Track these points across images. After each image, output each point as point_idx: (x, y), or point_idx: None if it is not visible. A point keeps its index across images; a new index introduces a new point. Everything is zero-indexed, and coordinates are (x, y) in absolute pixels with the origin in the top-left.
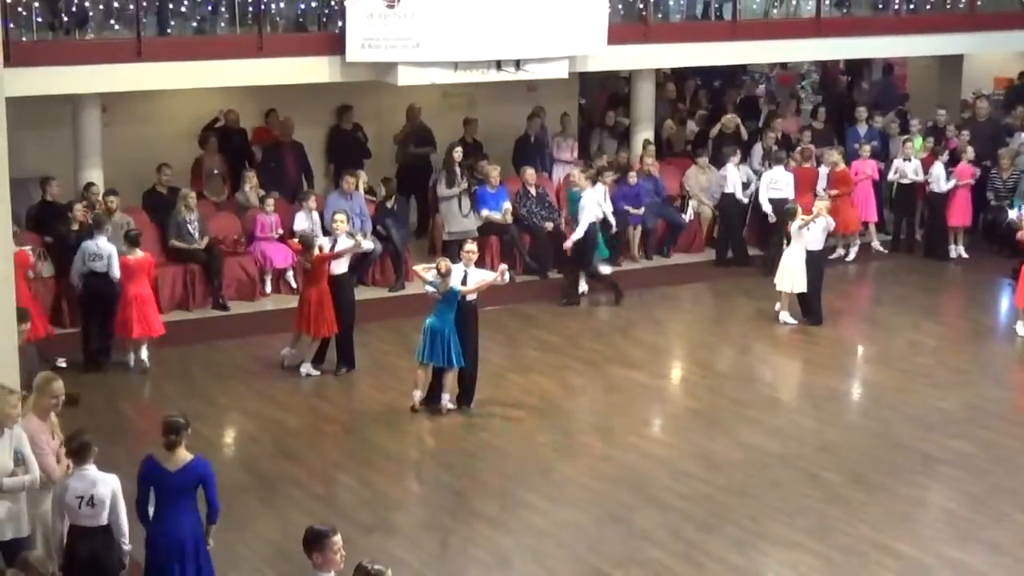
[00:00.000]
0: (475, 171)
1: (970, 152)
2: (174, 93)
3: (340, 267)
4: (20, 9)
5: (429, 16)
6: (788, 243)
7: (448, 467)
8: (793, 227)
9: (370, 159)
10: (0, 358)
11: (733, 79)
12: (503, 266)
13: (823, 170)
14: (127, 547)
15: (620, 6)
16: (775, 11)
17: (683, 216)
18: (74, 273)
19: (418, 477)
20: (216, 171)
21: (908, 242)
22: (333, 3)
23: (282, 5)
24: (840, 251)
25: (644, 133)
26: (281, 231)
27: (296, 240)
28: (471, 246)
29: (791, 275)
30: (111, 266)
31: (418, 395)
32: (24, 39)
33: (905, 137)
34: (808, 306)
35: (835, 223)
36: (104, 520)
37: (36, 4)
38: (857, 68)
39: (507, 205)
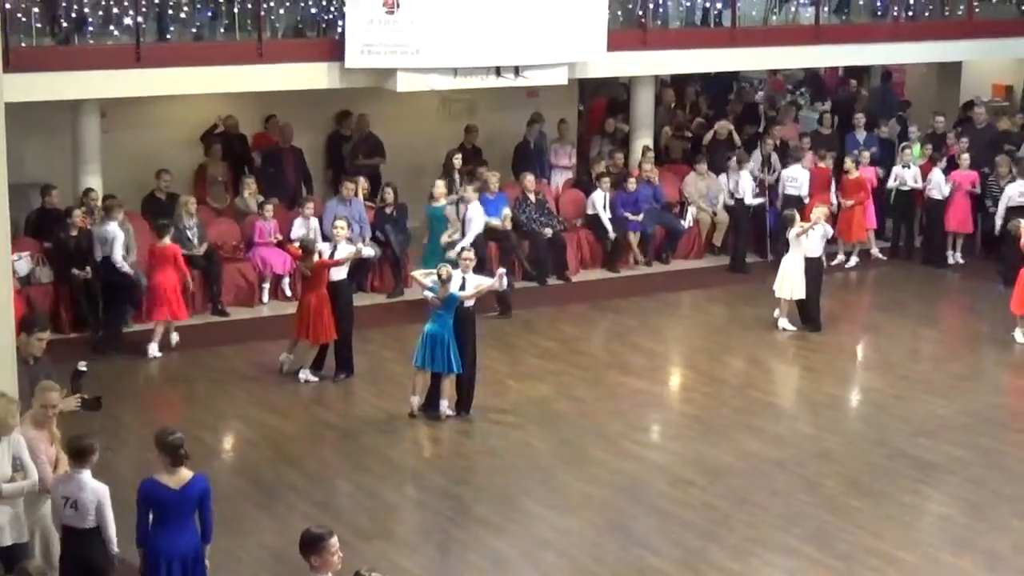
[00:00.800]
0: (475, 177)
1: (966, 159)
2: (173, 99)
3: (339, 273)
4: (20, 15)
5: (429, 22)
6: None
7: (447, 473)
8: (791, 234)
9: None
10: None
11: (731, 86)
12: (501, 270)
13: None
14: (116, 551)
15: (619, 13)
16: (774, 18)
17: (682, 222)
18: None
19: (417, 483)
20: (220, 178)
21: (907, 249)
22: (332, 9)
23: (281, 11)
24: (840, 257)
25: (643, 140)
26: (279, 237)
27: (296, 246)
28: (468, 252)
29: (790, 282)
30: (114, 251)
31: (416, 400)
32: (23, 44)
33: (904, 144)
34: (807, 313)
35: (842, 230)
36: (89, 524)
37: (36, 10)
38: (856, 75)
39: (506, 211)
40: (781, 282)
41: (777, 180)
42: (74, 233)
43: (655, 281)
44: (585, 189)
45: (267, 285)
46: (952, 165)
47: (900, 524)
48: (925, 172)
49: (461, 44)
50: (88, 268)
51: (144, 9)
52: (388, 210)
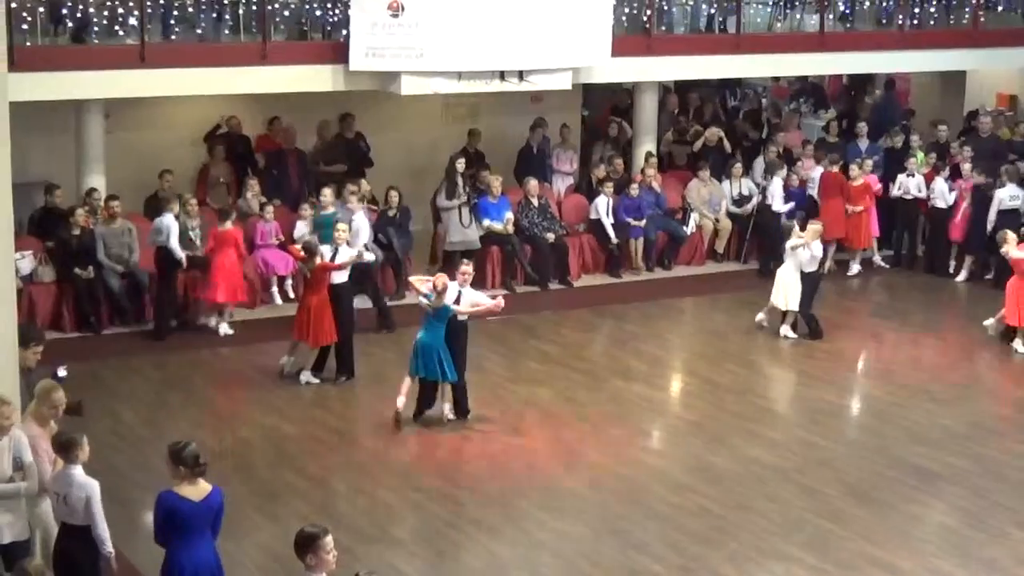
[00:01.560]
0: (477, 181)
1: (967, 168)
2: (177, 100)
3: (341, 276)
4: (25, 14)
5: (433, 26)
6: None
7: (446, 477)
8: (787, 245)
9: (372, 168)
10: None
11: (734, 93)
12: (500, 300)
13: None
14: (109, 552)
15: (624, 18)
16: (779, 25)
17: (684, 228)
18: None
19: (415, 486)
20: (222, 179)
21: (910, 257)
22: (337, 12)
23: (286, 13)
24: (856, 267)
25: (646, 146)
26: (281, 238)
27: (299, 247)
28: (467, 267)
29: (784, 291)
30: (170, 240)
31: (401, 401)
32: (28, 44)
33: (908, 152)
34: (806, 322)
35: (850, 237)
36: (80, 520)
37: (41, 10)
38: (859, 83)
39: (509, 215)
40: (777, 292)
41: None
42: (77, 232)
43: (657, 287)
44: (588, 194)
45: (275, 288)
46: (956, 174)
47: (900, 532)
48: (928, 181)
49: (465, 48)
50: (90, 268)
51: (149, 10)
52: (391, 213)
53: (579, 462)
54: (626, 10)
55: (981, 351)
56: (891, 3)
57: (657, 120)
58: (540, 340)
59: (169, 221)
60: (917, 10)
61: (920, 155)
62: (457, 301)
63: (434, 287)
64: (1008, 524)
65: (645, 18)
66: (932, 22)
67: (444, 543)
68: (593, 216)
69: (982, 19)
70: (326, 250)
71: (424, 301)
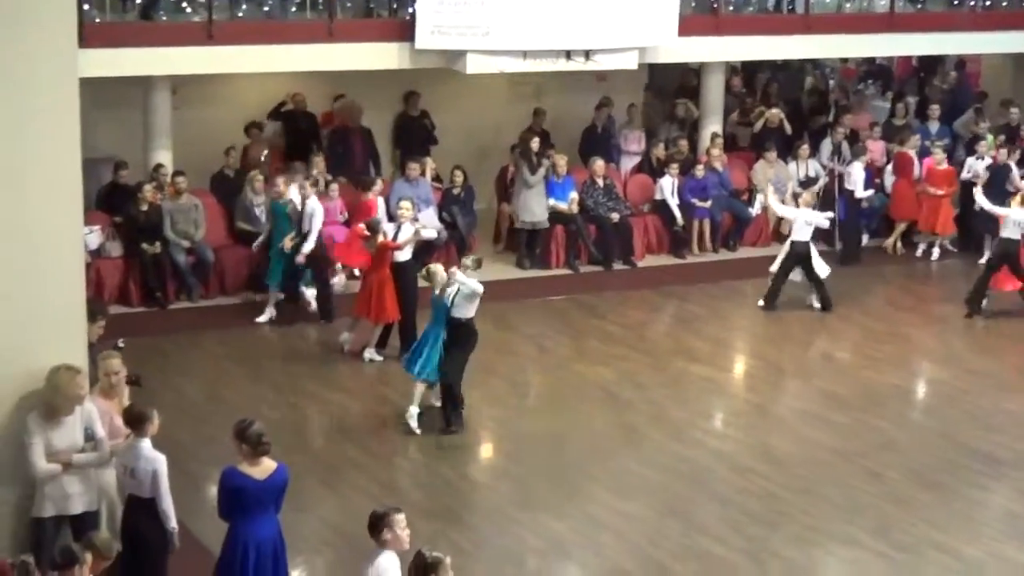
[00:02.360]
0: (543, 158)
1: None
2: (244, 77)
3: (404, 254)
4: None
5: (499, 4)
6: None
7: (508, 455)
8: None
9: (436, 146)
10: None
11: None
12: (453, 269)
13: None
14: (174, 527)
15: None
16: (848, 5)
17: (750, 210)
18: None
19: (477, 464)
20: (262, 159)
21: (978, 242)
22: None
23: None
24: (922, 248)
25: (712, 126)
26: (346, 215)
27: (362, 225)
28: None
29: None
30: (314, 225)
31: (415, 412)
32: (97, 20)
33: (978, 135)
34: (775, 290)
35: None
36: (146, 493)
37: None
38: (930, 65)
39: (573, 195)
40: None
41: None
42: (144, 208)
43: (721, 268)
44: (652, 174)
45: (338, 265)
46: None
47: (964, 518)
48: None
49: (531, 27)
50: (157, 243)
51: None
52: (456, 191)
53: (641, 442)
54: None
55: None
56: None
57: (724, 101)
58: (603, 320)
59: (314, 204)
60: None
61: (990, 138)
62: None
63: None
64: None
65: None
66: (1005, 2)
67: (506, 522)
68: (658, 197)
69: None
70: (389, 228)
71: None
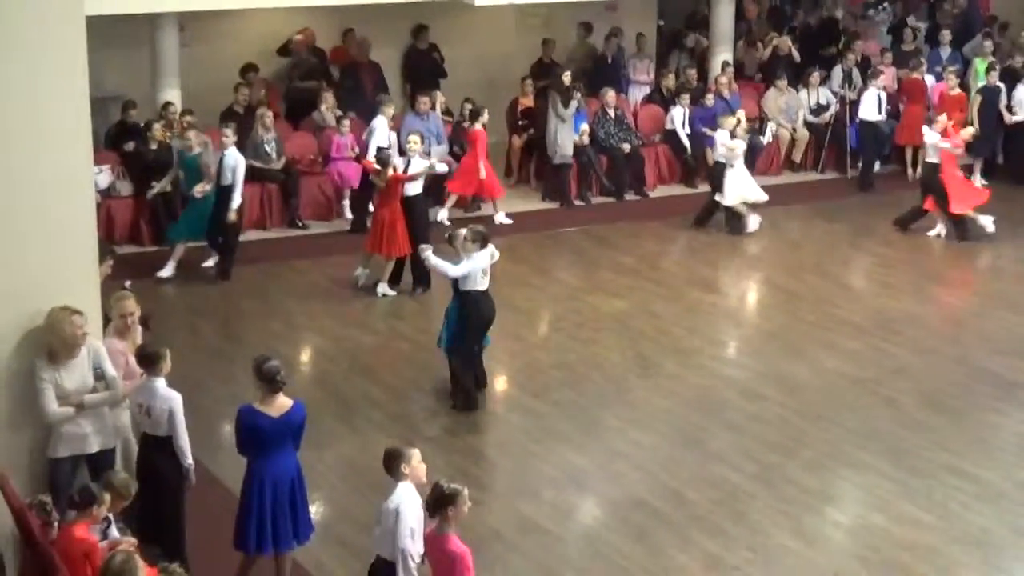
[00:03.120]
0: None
1: None
2: (251, 12)
3: (414, 188)
4: None
5: None
6: None
7: (523, 387)
8: (718, 154)
9: (446, 79)
10: (81, 282)
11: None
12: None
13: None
14: (190, 463)
15: None
16: None
17: (761, 138)
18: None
19: (492, 396)
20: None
21: (990, 167)
22: None
23: None
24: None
25: (722, 55)
26: (357, 151)
27: (372, 159)
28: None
29: (744, 188)
30: (372, 138)
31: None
32: None
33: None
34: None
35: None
36: (163, 432)
37: None
38: None
39: (584, 127)
40: (735, 192)
41: (859, 97)
42: (154, 147)
43: None
44: (663, 105)
45: (347, 200)
46: None
47: (979, 442)
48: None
49: None
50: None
51: None
52: (466, 125)
53: (657, 373)
54: None
55: None
56: None
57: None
58: (616, 251)
59: (378, 123)
60: None
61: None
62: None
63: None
64: None
65: None
66: None
67: (523, 453)
68: (668, 127)
69: None
70: (399, 162)
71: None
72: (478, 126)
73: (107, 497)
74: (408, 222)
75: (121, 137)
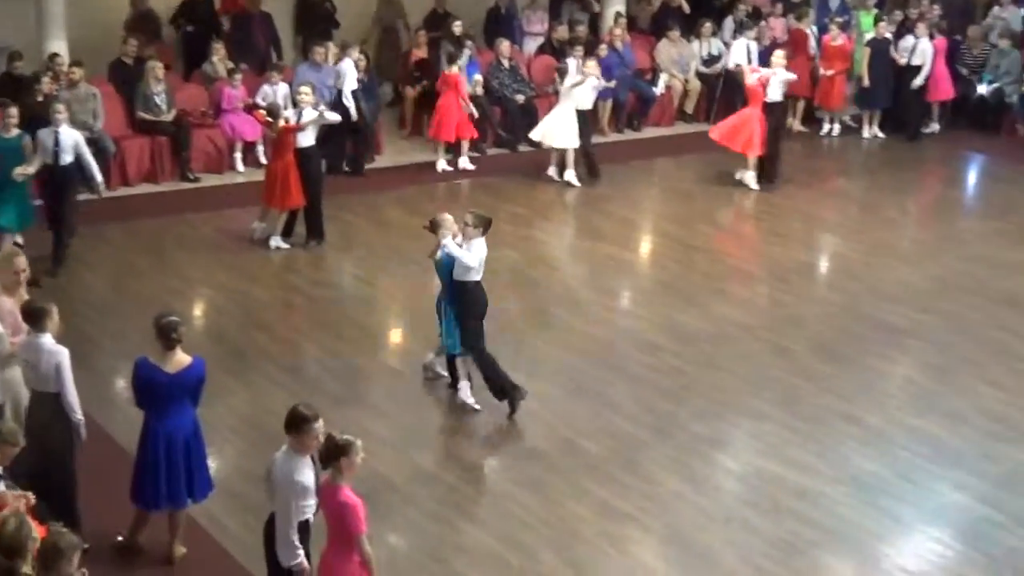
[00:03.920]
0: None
1: (922, 30)
2: None
3: (307, 140)
4: None
5: None
6: None
7: (418, 337)
8: (565, 86)
9: (339, 29)
10: None
11: None
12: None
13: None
14: (79, 419)
15: None
16: None
17: (654, 89)
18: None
19: (386, 350)
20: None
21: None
22: None
23: None
24: (826, 127)
25: (615, 6)
26: (249, 101)
27: (262, 111)
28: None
29: (563, 132)
30: (345, 87)
31: (429, 356)
32: None
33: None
34: (589, 158)
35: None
36: (51, 388)
37: None
38: None
39: (478, 77)
40: (552, 133)
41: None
42: (40, 99)
43: (627, 148)
44: (556, 56)
45: (239, 153)
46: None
47: (868, 388)
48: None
49: None
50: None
51: None
52: (358, 77)
53: (551, 324)
54: None
55: (947, 209)
56: None
57: None
58: (510, 202)
59: (348, 66)
60: None
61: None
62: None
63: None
64: (973, 378)
65: None
66: None
67: (416, 405)
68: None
69: None
70: (291, 113)
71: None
72: (454, 69)
73: None
74: (302, 174)
75: (7, 89)
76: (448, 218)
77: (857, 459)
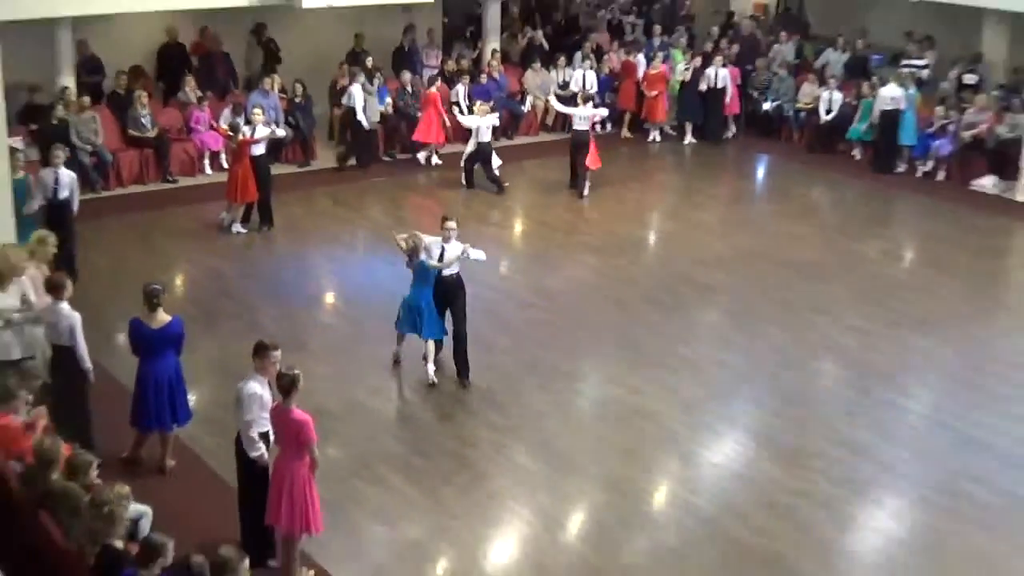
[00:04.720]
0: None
1: (719, 62)
2: (130, 16)
3: (259, 149)
4: None
5: None
6: None
7: (346, 301)
8: (467, 122)
9: (281, 65)
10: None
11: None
12: (467, 247)
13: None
14: (88, 367)
15: None
16: None
17: (523, 107)
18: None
19: (323, 307)
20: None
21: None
22: None
23: None
24: (652, 135)
25: (492, 44)
26: (213, 123)
27: (225, 128)
28: (452, 223)
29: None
30: (356, 106)
31: (431, 369)
32: None
33: (691, 50)
34: (495, 182)
35: (649, 113)
36: (66, 343)
37: None
38: None
39: (388, 100)
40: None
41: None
42: (54, 122)
43: (503, 153)
44: (449, 83)
45: (207, 160)
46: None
47: (686, 331)
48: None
49: None
50: (66, 148)
51: None
52: (298, 100)
53: None
54: None
55: (744, 196)
56: None
57: (501, 24)
58: (417, 195)
59: (357, 90)
60: None
61: (679, 52)
62: (441, 259)
63: (403, 246)
64: (765, 324)
65: None
66: None
67: (346, 351)
68: (453, 99)
69: None
70: (246, 129)
71: (405, 258)
72: (433, 90)
73: (22, 393)
74: (255, 175)
75: (29, 115)
76: (425, 239)
77: (681, 385)
